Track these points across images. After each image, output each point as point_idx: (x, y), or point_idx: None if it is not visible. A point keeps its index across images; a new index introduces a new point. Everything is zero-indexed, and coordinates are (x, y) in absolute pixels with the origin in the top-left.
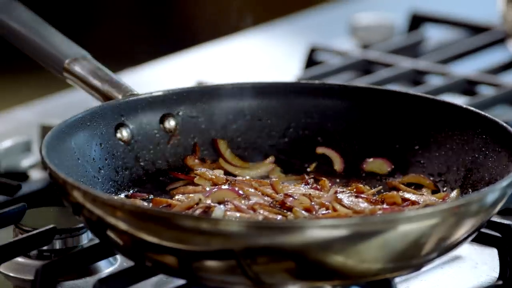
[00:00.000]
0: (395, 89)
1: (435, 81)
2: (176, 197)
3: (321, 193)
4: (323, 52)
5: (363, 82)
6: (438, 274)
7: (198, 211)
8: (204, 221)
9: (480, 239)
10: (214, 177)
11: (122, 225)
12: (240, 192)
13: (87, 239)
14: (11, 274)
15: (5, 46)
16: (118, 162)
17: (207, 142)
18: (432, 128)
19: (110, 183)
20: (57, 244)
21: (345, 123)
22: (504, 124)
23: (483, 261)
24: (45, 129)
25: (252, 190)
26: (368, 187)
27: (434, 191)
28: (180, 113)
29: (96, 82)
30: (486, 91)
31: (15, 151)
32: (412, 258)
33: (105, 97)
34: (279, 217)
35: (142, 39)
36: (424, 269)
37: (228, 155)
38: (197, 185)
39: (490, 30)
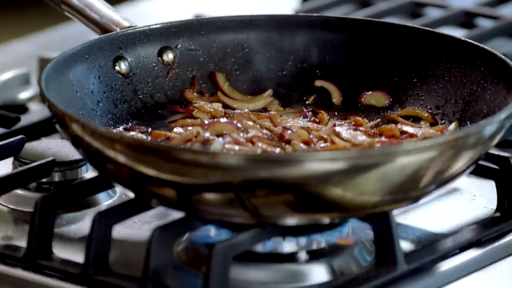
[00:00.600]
0: (393, 21)
1: (433, 14)
2: (175, 130)
3: (319, 126)
4: None
5: (361, 14)
6: (436, 206)
7: (196, 144)
8: (203, 154)
9: (478, 171)
10: (212, 110)
11: (121, 158)
12: (239, 125)
13: (86, 171)
14: (11, 206)
15: None
16: (116, 95)
17: (206, 75)
18: (430, 61)
19: (109, 116)
20: (56, 177)
21: (343, 56)
22: (503, 57)
23: (481, 193)
24: (43, 62)
25: (251, 123)
26: (366, 120)
27: (432, 124)
28: (179, 46)
29: (94, 15)
30: (485, 24)
31: (14, 83)
32: (410, 190)
33: (103, 29)
34: (277, 150)
35: None
36: (422, 201)
37: (227, 88)
38: (195, 118)
39: None
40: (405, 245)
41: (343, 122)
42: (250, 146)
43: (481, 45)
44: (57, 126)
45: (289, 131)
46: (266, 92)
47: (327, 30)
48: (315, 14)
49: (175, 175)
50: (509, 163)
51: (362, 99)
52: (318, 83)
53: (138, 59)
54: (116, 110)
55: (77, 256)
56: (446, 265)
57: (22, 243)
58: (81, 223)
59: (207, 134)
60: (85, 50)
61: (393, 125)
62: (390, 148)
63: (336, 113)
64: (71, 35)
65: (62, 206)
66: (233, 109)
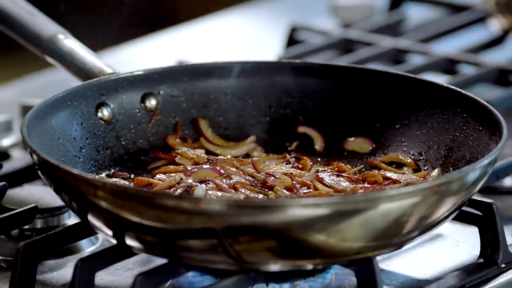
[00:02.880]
0: (376, 68)
1: (416, 60)
2: (158, 176)
3: (302, 172)
4: (304, 31)
5: (344, 61)
6: (419, 253)
7: (179, 190)
8: (186, 200)
9: (461, 217)
10: (195, 156)
11: (104, 204)
12: (222, 171)
13: (68, 218)
14: None
15: None
16: (99, 141)
17: (188, 121)
18: (413, 107)
19: (91, 162)
20: (39, 223)
21: (326, 102)
22: (485, 103)
23: (465, 239)
24: (25, 108)
25: (234, 169)
26: (349, 166)
27: (415, 170)
28: (161, 92)
29: (77, 61)
30: (467, 70)
31: None
32: (394, 236)
33: (86, 76)
34: (260, 196)
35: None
36: (405, 247)
37: (209, 134)
38: (178, 164)
39: (471, 9)
40: None
41: (326, 168)
42: (233, 192)
43: (463, 91)
44: (40, 173)
45: (272, 177)
46: (249, 138)
47: (310, 76)
48: (298, 60)
49: (158, 222)
50: (492, 209)
51: (345, 145)
52: (301, 129)
53: (121, 106)
54: (98, 156)
55: None
56: None
57: None
58: (63, 270)
59: (190, 180)
60: (68, 96)
61: (376, 171)
62: (373, 194)
63: (319, 159)
64: (53, 82)
65: (44, 253)
66: (216, 155)
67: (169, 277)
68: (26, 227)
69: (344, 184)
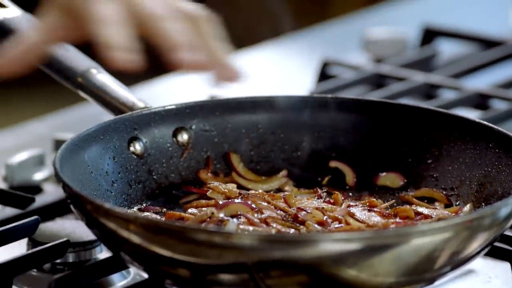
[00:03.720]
0: (407, 103)
1: (447, 95)
2: (189, 210)
3: (334, 206)
4: (336, 66)
5: (376, 96)
6: None
7: (211, 225)
8: (217, 234)
9: (493, 253)
10: (227, 190)
11: (135, 239)
12: (253, 205)
13: (100, 252)
14: None
15: None
16: (131, 175)
17: (220, 156)
18: (444, 142)
19: (123, 196)
20: (70, 257)
21: (357, 137)
22: None
23: (496, 275)
24: (58, 143)
25: (265, 204)
26: (380, 201)
27: (447, 205)
28: (193, 127)
29: (109, 95)
30: (499, 105)
31: (28, 164)
32: (425, 272)
33: (118, 110)
34: (292, 230)
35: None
36: (437, 283)
37: (241, 169)
38: (210, 198)
39: (503, 44)
40: None
41: (357, 203)
42: (264, 226)
43: (495, 126)
44: (72, 207)
45: (304, 212)
46: (281, 173)
47: (341, 111)
48: (329, 95)
49: (189, 256)
50: None
51: (377, 180)
52: (333, 164)
53: (153, 140)
54: (130, 190)
55: None
56: None
57: None
58: None
59: (221, 215)
60: (100, 131)
61: (407, 206)
62: (405, 229)
63: (351, 194)
64: (85, 116)
65: (76, 287)
66: (248, 189)
67: None
68: (58, 261)
69: (376, 219)
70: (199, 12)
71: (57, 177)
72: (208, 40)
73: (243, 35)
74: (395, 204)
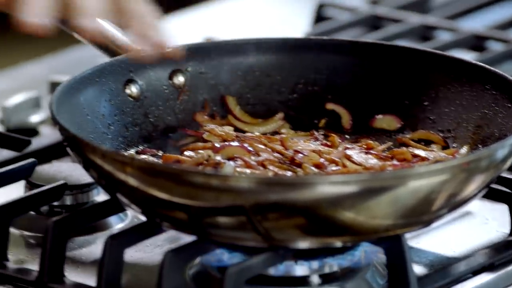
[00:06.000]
0: (403, 44)
1: (444, 37)
2: (186, 153)
3: (331, 149)
4: (332, 7)
5: (372, 38)
6: (448, 230)
7: (208, 168)
8: (214, 177)
9: (490, 195)
10: (223, 133)
11: (132, 181)
12: (250, 148)
13: (97, 194)
14: (23, 230)
15: None
16: (127, 118)
17: (217, 99)
18: (441, 84)
19: (120, 139)
20: (68, 200)
21: (354, 79)
22: None
23: (494, 217)
24: (54, 85)
25: (262, 147)
26: (377, 143)
27: (444, 147)
28: (189, 69)
29: (105, 38)
30: (495, 47)
31: (25, 107)
32: (423, 214)
33: (114, 53)
34: (289, 173)
35: None
36: (434, 225)
37: (238, 112)
38: (206, 141)
39: None
40: (418, 269)
41: (354, 145)
42: (261, 169)
43: (491, 68)
44: (68, 149)
45: (300, 155)
46: (277, 115)
47: (338, 53)
48: (326, 37)
49: (186, 199)
50: None
51: (373, 122)
52: (329, 106)
53: (149, 82)
54: (127, 133)
55: (89, 279)
56: None
57: (34, 266)
58: (92, 247)
59: (218, 158)
60: (96, 73)
61: (404, 148)
62: (402, 171)
63: (348, 137)
64: (81, 59)
65: (74, 230)
66: (244, 132)
67: (198, 254)
68: (55, 203)
69: (373, 161)
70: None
71: (53, 120)
72: (135, 4)
73: None
74: (392, 147)
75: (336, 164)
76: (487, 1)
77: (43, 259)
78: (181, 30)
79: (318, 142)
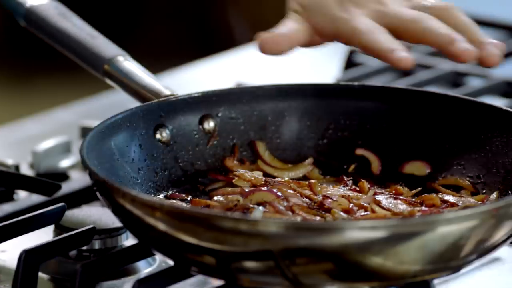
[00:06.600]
0: (434, 90)
1: (474, 83)
2: (215, 198)
3: (360, 194)
4: (363, 54)
5: (402, 83)
6: (477, 276)
7: (236, 212)
8: (243, 221)
9: None
10: (252, 178)
11: (161, 226)
12: (279, 193)
13: (126, 239)
14: (51, 274)
15: (45, 47)
16: (157, 163)
17: (246, 144)
18: (471, 130)
19: (149, 183)
20: (96, 244)
21: (384, 125)
22: None
23: None
24: (84, 130)
25: (291, 192)
26: (406, 189)
27: (474, 193)
28: (219, 114)
29: (135, 83)
30: None
31: (55, 151)
32: (451, 260)
33: (144, 98)
34: (317, 218)
35: (182, 41)
36: (463, 270)
37: (267, 157)
38: (236, 186)
39: None
40: None
41: (383, 191)
42: (290, 214)
43: None
44: (98, 194)
45: (329, 200)
46: (307, 161)
47: (368, 99)
48: (356, 83)
49: (215, 243)
50: None
51: (403, 168)
52: (359, 151)
53: (179, 127)
54: (156, 178)
55: None
56: None
57: None
58: None
59: (247, 202)
60: (127, 118)
61: (434, 194)
62: (431, 217)
63: (377, 182)
64: (112, 103)
65: (102, 274)
66: (274, 177)
67: None
68: (84, 248)
69: (402, 207)
70: (442, 3)
71: (83, 164)
72: (466, 26)
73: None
74: (421, 192)
75: (365, 209)
76: None
77: None
78: (212, 75)
79: (347, 188)
